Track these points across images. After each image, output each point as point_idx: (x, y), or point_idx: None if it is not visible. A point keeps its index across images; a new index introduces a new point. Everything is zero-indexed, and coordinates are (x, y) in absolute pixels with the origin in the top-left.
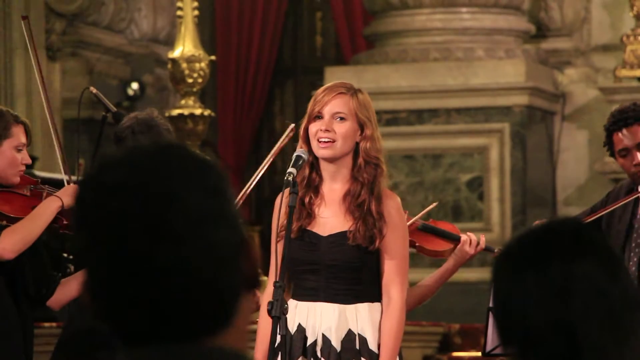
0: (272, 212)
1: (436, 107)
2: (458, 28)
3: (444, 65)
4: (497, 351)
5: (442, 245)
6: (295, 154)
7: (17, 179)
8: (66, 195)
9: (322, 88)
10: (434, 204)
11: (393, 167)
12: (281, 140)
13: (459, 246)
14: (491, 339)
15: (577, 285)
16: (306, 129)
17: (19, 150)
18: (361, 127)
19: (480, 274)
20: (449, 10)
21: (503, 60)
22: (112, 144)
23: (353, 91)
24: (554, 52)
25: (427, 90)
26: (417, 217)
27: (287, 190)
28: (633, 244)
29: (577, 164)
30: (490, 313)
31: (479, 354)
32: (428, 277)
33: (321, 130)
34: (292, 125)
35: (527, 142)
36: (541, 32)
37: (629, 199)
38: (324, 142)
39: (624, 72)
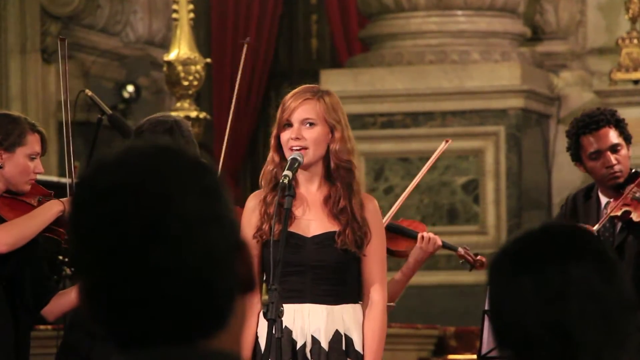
0: (244, 213)
1: (432, 110)
2: (453, 31)
3: (440, 68)
4: (493, 354)
5: (404, 245)
6: (290, 157)
7: (27, 187)
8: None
9: (289, 95)
10: (400, 203)
11: (389, 169)
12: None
13: (416, 244)
14: (487, 341)
15: (573, 288)
16: (277, 137)
17: (32, 159)
18: (331, 130)
19: (476, 276)
20: (445, 13)
21: (498, 63)
22: (107, 147)
23: (320, 94)
24: (550, 55)
25: (423, 93)
26: (386, 217)
27: (260, 192)
28: None
29: (573, 167)
30: (486, 316)
31: (475, 356)
32: (394, 276)
33: (292, 138)
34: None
35: (523, 145)
36: (537, 35)
37: (613, 208)
38: (297, 150)
39: (620, 75)
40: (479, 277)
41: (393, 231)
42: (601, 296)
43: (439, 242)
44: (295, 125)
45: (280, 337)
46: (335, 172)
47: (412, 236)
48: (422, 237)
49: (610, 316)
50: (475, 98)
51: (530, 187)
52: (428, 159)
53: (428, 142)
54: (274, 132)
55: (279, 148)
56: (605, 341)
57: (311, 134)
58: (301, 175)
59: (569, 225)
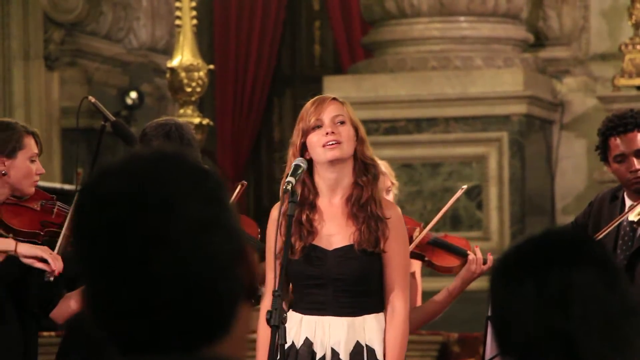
0: (268, 223)
1: (435, 116)
2: (456, 37)
3: (443, 74)
4: None
5: (451, 262)
6: (294, 163)
7: (32, 190)
8: (26, 246)
9: (309, 103)
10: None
11: None
12: (233, 197)
13: (465, 265)
14: (490, 347)
15: (576, 293)
16: (302, 145)
17: (33, 161)
18: (356, 131)
19: (479, 282)
20: (447, 19)
21: (501, 69)
22: (110, 153)
23: (340, 100)
24: (553, 61)
25: (426, 99)
26: (429, 225)
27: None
28: (618, 251)
29: (576, 172)
30: (489, 322)
31: None
32: (437, 294)
33: (327, 134)
34: (244, 182)
35: (526, 151)
36: (539, 41)
37: (633, 209)
38: (331, 144)
39: (623, 81)
40: (483, 283)
41: (439, 247)
42: (604, 302)
43: (490, 264)
44: (327, 122)
45: (284, 343)
46: (361, 173)
47: (460, 254)
48: (474, 258)
49: (613, 322)
50: (478, 104)
51: (534, 193)
52: (431, 165)
53: (431, 148)
54: (299, 139)
55: (302, 155)
56: (608, 347)
57: (343, 131)
58: (325, 181)
59: (572, 231)
